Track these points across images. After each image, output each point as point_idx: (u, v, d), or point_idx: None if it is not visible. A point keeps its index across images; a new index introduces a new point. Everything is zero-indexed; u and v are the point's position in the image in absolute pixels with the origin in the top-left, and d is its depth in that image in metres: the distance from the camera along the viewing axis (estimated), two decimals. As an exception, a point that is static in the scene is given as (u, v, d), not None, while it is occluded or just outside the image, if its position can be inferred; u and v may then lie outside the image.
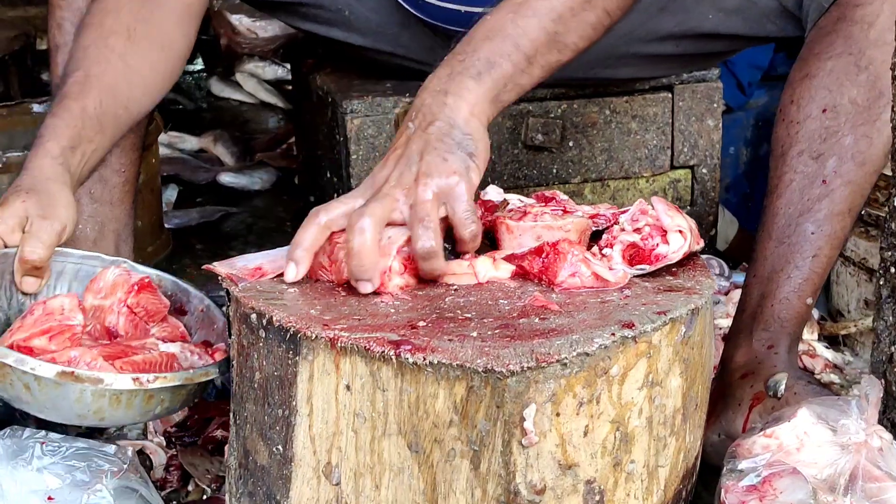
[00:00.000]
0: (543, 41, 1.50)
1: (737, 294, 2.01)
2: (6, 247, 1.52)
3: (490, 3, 1.54)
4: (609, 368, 1.21)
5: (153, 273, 1.61)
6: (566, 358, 1.18)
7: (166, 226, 2.51)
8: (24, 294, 1.55)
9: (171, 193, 2.69)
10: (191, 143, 2.96)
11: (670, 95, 2.22)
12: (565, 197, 1.50)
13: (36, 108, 2.27)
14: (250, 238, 2.50)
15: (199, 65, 3.65)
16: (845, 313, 2.11)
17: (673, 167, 2.27)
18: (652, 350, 1.24)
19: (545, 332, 1.23)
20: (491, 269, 1.36)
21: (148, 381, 1.38)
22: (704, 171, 2.28)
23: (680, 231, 1.37)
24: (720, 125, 2.27)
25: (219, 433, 1.71)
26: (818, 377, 1.93)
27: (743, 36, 1.94)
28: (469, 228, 1.37)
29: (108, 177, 1.92)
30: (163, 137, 2.95)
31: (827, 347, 2.01)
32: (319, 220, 1.37)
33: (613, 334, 1.21)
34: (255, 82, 3.33)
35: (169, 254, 2.26)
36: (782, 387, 1.59)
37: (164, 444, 1.72)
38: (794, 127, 1.69)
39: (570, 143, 2.19)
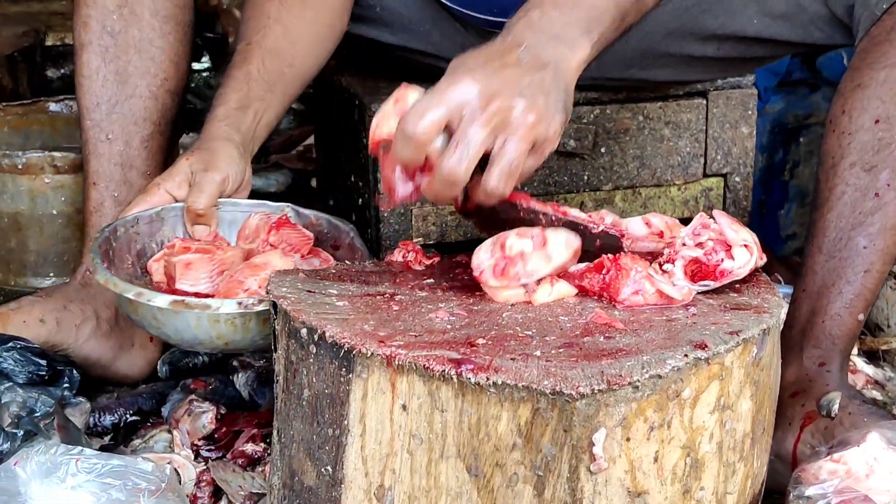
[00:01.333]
0: None
1: (776, 307, 1.96)
2: (176, 201, 1.66)
3: None
4: (681, 391, 1.16)
5: (312, 214, 1.71)
6: (638, 380, 1.13)
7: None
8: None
9: (184, 195, 2.62)
10: (204, 143, 2.88)
11: (704, 102, 2.17)
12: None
13: (52, 107, 2.21)
14: (268, 242, 2.44)
15: (206, 63, 3.58)
16: (885, 328, 2.06)
17: (706, 175, 2.21)
18: (724, 372, 1.19)
19: (613, 351, 1.17)
20: (548, 295, 1.31)
21: (252, 304, 1.43)
22: (737, 179, 2.23)
23: (745, 245, 1.32)
24: (754, 133, 2.22)
25: (249, 447, 1.65)
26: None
27: (788, 42, 1.89)
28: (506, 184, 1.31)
29: (134, 179, 1.87)
30: (176, 137, 2.89)
31: (867, 363, 1.97)
32: (413, 131, 1.28)
33: (686, 355, 1.16)
34: (266, 81, 3.27)
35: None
36: (836, 406, 1.54)
37: (192, 457, 1.66)
38: (845, 138, 1.64)
39: (602, 150, 2.14)
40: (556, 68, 1.35)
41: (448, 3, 1.95)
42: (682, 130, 2.17)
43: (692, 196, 2.21)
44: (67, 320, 1.82)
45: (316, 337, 1.23)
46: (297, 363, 1.26)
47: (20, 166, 1.95)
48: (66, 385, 1.71)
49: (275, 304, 1.30)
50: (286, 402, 1.29)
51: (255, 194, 2.66)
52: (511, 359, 1.17)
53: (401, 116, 1.29)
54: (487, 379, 1.14)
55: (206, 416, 1.71)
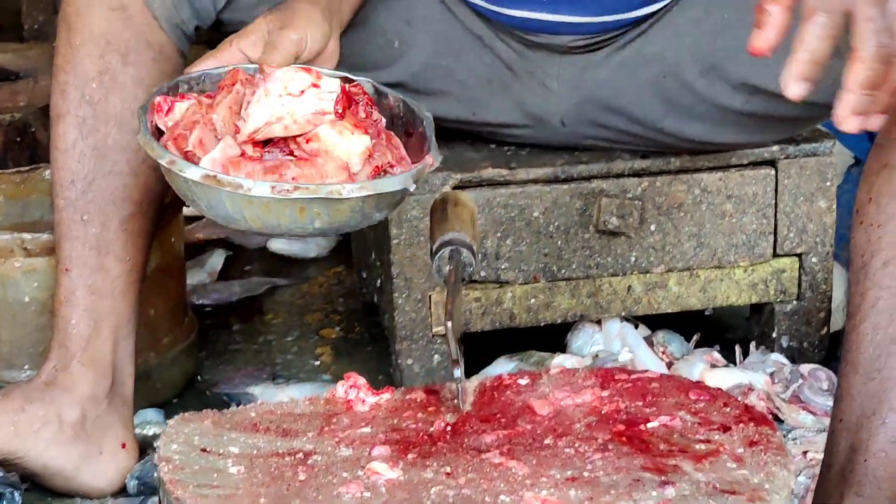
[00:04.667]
0: None
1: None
2: (249, 62, 1.46)
3: None
4: None
5: (391, 94, 1.50)
6: None
7: (203, 302, 2.25)
8: None
9: (216, 260, 2.40)
10: (249, 199, 2.68)
11: (773, 172, 1.87)
12: None
13: (48, 175, 2.02)
14: (294, 318, 2.22)
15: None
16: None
17: (776, 255, 1.92)
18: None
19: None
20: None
21: (286, 190, 1.28)
22: (815, 259, 1.93)
23: None
24: (834, 206, 1.91)
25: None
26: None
27: (815, 104, 1.60)
28: None
29: (110, 266, 1.67)
30: (218, 193, 2.69)
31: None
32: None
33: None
34: (330, 128, 3.05)
35: (192, 341, 1.99)
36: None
37: None
38: (874, 231, 1.34)
39: (652, 227, 1.86)
40: None
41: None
42: (747, 205, 1.88)
43: (761, 279, 1.92)
44: (25, 424, 1.62)
45: (189, 519, 0.99)
46: (175, 545, 1.03)
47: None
48: (4, 509, 1.52)
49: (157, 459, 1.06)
50: (171, 588, 1.06)
51: (288, 260, 2.47)
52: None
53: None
54: None
55: (159, 548, 1.48)
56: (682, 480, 1.02)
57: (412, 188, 1.34)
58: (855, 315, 1.32)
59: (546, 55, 1.76)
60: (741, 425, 1.10)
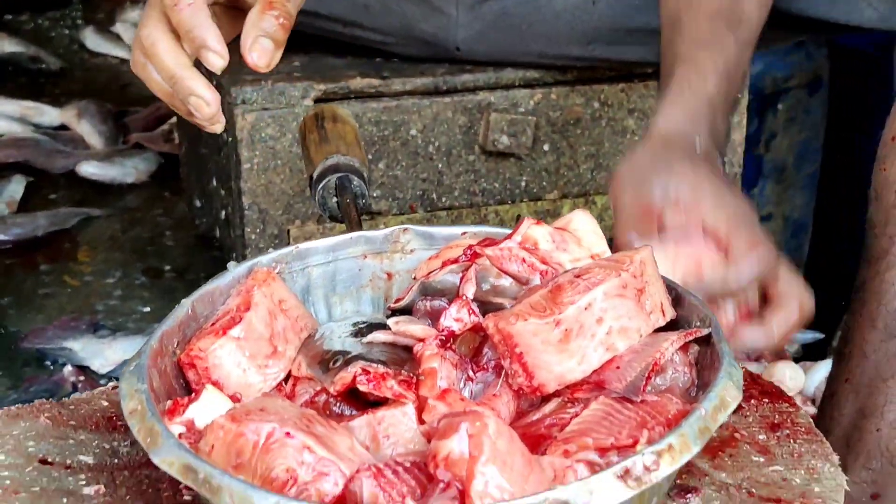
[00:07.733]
0: None
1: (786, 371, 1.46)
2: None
3: None
4: None
5: None
6: None
7: (2, 237, 1.90)
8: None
9: (16, 188, 2.05)
10: (50, 116, 2.31)
11: (680, 82, 1.64)
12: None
13: None
14: (115, 255, 1.89)
15: (74, 10, 2.99)
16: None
17: (680, 178, 1.69)
18: None
19: None
20: None
21: (645, 467, 0.65)
22: (721, 182, 1.71)
23: None
24: (744, 121, 1.70)
25: None
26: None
27: (814, 20, 1.36)
28: None
29: None
30: (13, 109, 2.32)
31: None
32: None
33: None
34: (140, 35, 2.69)
35: (-5, 288, 1.66)
36: (888, 567, 1.04)
37: None
38: None
39: (546, 147, 1.61)
40: None
41: None
42: (650, 120, 1.64)
43: (662, 205, 1.69)
44: None
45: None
46: None
47: None
48: None
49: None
50: None
51: (108, 186, 2.12)
52: None
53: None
54: None
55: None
56: (703, 484, 0.77)
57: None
58: (878, 261, 1.10)
59: None
60: (752, 402, 0.86)
